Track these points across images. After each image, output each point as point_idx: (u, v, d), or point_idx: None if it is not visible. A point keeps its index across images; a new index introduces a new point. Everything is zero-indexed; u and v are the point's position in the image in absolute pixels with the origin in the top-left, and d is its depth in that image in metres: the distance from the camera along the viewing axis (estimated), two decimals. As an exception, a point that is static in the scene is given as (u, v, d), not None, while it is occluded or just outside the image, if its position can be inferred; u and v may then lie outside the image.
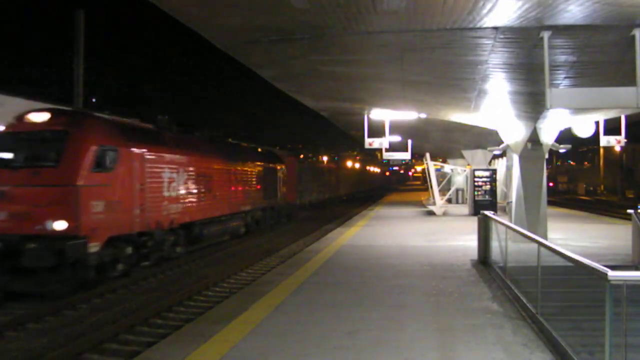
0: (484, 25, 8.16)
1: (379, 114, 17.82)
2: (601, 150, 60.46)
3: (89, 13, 19.81)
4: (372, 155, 78.41)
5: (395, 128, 19.87)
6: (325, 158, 73.84)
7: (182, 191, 15.39)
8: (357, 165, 77.11)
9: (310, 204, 35.49)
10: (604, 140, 19.20)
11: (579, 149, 68.87)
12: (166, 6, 7.88)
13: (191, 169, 16.00)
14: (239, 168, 20.47)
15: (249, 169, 21.79)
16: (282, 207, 26.61)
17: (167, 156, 14.67)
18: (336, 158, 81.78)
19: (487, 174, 25.40)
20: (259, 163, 23.22)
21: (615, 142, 19.43)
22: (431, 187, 30.28)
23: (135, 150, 13.11)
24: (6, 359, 7.65)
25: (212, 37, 9.47)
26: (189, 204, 15.79)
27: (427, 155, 31.65)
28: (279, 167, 26.20)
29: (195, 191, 16.26)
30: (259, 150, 26.16)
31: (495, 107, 14.48)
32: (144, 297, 11.40)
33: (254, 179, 22.12)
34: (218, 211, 18.01)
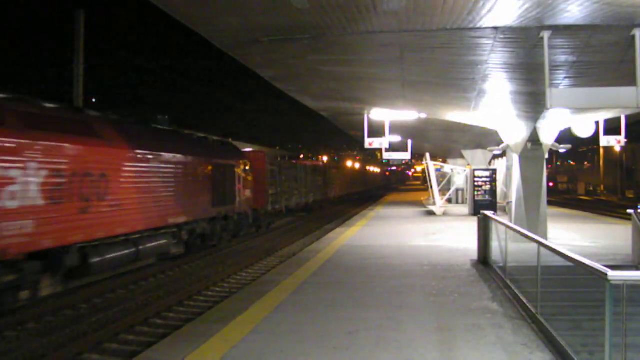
0: (484, 25, 8.16)
1: (379, 114, 17.81)
2: (601, 150, 60.48)
3: (89, 13, 19.81)
4: (371, 155, 77.58)
5: (395, 128, 19.87)
6: (310, 156, 70.72)
7: (36, 199, 9.61)
8: (352, 165, 74.95)
9: (288, 210, 29.56)
10: (604, 140, 19.20)
11: (579, 149, 68.89)
12: (166, 6, 7.87)
13: (58, 163, 10.28)
14: (165, 164, 14.20)
15: (186, 166, 15.42)
16: (243, 216, 20.22)
17: None
18: (336, 158, 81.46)
19: (487, 174, 25.40)
20: (204, 158, 16.87)
21: (615, 142, 19.42)
22: (431, 187, 30.29)
23: None
24: (6, 359, 7.65)
25: (212, 37, 9.48)
26: (56, 219, 10.10)
27: (427, 155, 31.65)
28: (241, 165, 20.10)
29: (70, 198, 10.46)
30: (209, 141, 19.37)
31: (495, 107, 14.48)
32: (144, 297, 11.40)
33: (194, 180, 15.94)
34: (123, 227, 12.13)
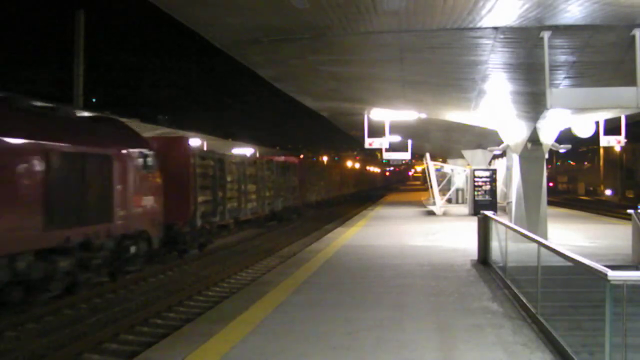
0: (484, 25, 8.17)
1: (379, 114, 17.83)
2: (601, 150, 60.48)
3: (89, 13, 19.83)
4: (369, 154, 75.71)
5: (395, 128, 19.88)
6: (312, 153, 65.78)
7: None
8: (343, 162, 69.78)
9: (237, 223, 21.35)
10: (604, 140, 19.21)
11: (579, 149, 68.90)
12: (166, 6, 7.88)
13: None
14: None
15: None
16: (136, 239, 12.78)
17: None
18: (337, 158, 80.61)
19: (487, 174, 25.40)
20: (23, 141, 9.65)
21: (615, 142, 19.45)
22: (431, 187, 30.31)
23: None
24: (6, 359, 7.66)
25: (212, 37, 9.48)
26: None
27: (427, 155, 31.67)
28: (133, 157, 12.73)
29: None
30: (61, 114, 12.20)
31: (495, 107, 14.48)
32: (144, 297, 11.40)
33: None
34: None
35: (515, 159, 15.34)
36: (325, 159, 74.79)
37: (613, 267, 4.68)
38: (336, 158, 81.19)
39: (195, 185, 16.47)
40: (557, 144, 16.44)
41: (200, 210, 16.68)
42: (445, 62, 10.82)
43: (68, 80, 19.66)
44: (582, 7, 7.32)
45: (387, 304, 8.26)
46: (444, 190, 31.19)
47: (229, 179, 19.70)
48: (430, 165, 31.36)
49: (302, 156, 49.08)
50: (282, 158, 31.10)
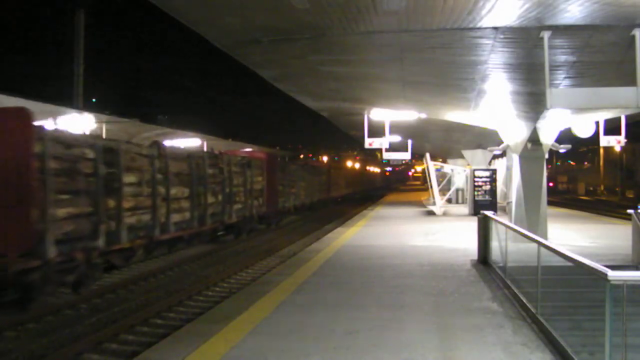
0: (484, 25, 8.18)
1: (379, 114, 17.83)
2: (601, 150, 60.49)
3: (90, 13, 19.85)
4: (369, 154, 73.20)
5: (395, 128, 19.89)
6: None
7: None
8: (332, 161, 65.12)
9: (154, 244, 14.63)
10: (604, 140, 19.22)
11: (579, 149, 68.90)
12: (167, 6, 7.89)
13: None
14: None
15: None
16: None
17: None
18: (335, 156, 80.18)
19: (487, 174, 25.41)
20: None
21: (615, 142, 19.46)
22: (431, 187, 30.31)
23: None
24: (6, 359, 7.66)
25: (212, 37, 9.49)
26: None
27: (427, 155, 31.68)
28: None
29: None
30: None
31: (495, 107, 14.48)
32: (144, 297, 11.40)
33: None
34: None
35: (515, 159, 15.34)
36: (309, 155, 72.45)
37: (613, 267, 4.68)
38: (336, 158, 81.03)
39: (46, 189, 10.00)
40: (557, 144, 16.44)
41: (58, 230, 10.31)
42: (445, 62, 10.82)
43: (68, 80, 19.69)
44: (582, 7, 7.33)
45: (388, 304, 8.26)
46: (444, 190, 31.19)
47: (129, 179, 13.06)
48: (430, 165, 31.36)
49: (302, 155, 47.77)
50: (239, 152, 24.53)
